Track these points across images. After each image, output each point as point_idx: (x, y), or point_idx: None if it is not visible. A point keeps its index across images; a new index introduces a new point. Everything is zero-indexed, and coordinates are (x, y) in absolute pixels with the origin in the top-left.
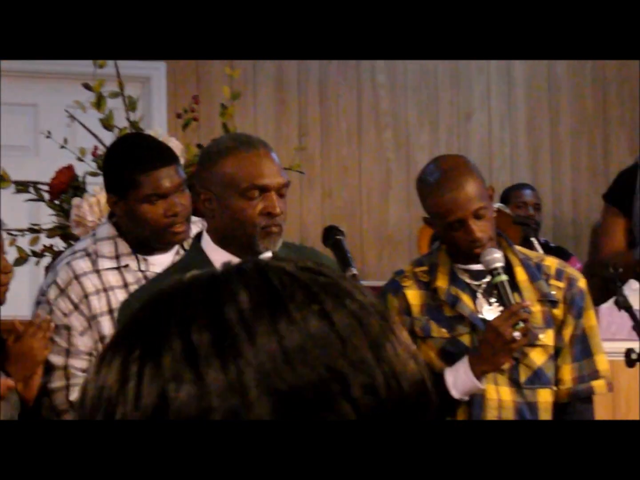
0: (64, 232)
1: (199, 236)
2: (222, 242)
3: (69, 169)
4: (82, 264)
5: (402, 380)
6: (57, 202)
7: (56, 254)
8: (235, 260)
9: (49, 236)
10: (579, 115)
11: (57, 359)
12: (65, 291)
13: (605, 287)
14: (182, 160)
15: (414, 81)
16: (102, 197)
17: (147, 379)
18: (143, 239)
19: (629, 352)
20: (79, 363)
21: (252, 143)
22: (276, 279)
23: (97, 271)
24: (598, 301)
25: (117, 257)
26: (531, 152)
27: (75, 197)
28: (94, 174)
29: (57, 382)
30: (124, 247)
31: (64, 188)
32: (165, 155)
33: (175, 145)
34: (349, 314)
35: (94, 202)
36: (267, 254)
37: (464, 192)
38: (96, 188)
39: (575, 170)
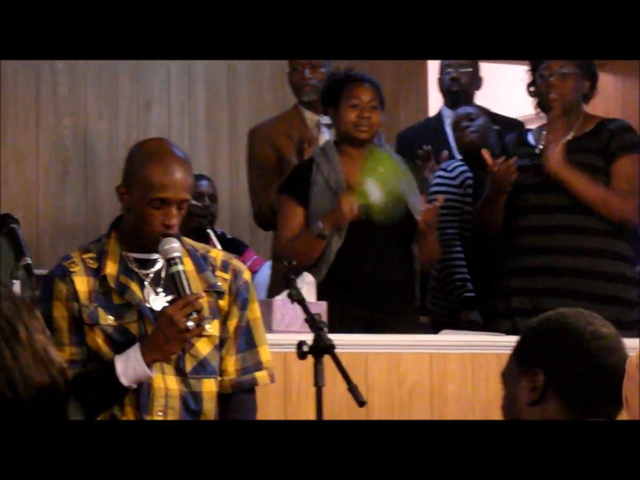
0: None
1: None
2: None
3: None
4: None
5: (21, 389)
6: None
7: None
8: None
9: None
10: (257, 108)
11: None
12: None
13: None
14: None
15: (94, 69)
16: None
17: None
18: None
19: (301, 344)
20: None
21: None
22: None
23: None
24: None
25: None
26: (210, 144)
27: None
28: None
29: None
30: None
31: None
32: None
33: None
34: None
35: None
36: None
37: (182, 177)
38: None
39: None
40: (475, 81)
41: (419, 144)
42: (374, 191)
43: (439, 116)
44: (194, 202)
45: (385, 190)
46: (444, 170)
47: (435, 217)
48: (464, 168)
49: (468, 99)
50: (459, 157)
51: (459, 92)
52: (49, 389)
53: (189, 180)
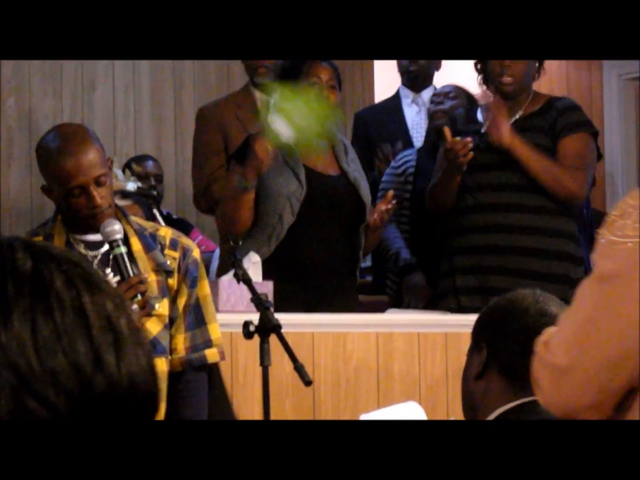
0: None
1: None
2: None
3: None
4: None
5: (134, 383)
6: None
7: None
8: None
9: None
10: (202, 88)
11: None
12: None
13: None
14: None
15: None
16: None
17: None
18: None
19: (247, 324)
20: None
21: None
22: (42, 263)
23: None
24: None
25: None
26: (155, 124)
27: None
28: None
29: None
30: None
31: None
32: None
33: None
34: (104, 312)
35: None
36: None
37: (86, 158)
38: None
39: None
40: (434, 61)
41: (375, 123)
42: (284, 130)
43: (396, 96)
44: (139, 183)
45: (299, 127)
46: (395, 161)
47: (388, 216)
48: (410, 157)
49: (427, 79)
50: (416, 141)
51: (417, 72)
52: (152, 392)
53: (96, 155)
